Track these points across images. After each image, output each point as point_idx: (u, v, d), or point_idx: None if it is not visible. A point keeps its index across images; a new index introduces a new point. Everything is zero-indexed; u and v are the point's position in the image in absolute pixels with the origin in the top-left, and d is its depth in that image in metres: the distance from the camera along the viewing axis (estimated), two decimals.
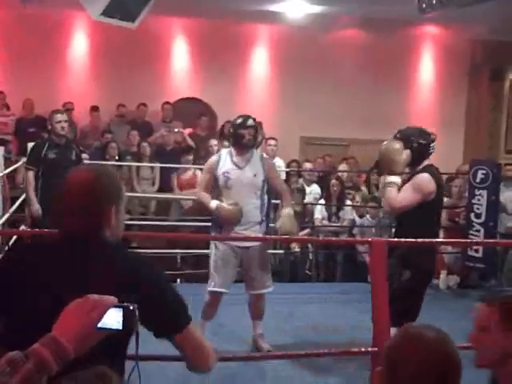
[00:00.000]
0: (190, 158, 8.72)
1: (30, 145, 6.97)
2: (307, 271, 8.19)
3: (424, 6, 7.49)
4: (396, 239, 3.75)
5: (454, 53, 11.43)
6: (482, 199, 7.55)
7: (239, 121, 5.09)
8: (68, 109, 9.96)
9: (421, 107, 11.57)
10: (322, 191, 8.87)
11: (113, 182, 2.13)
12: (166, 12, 9.94)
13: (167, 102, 10.10)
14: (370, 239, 3.45)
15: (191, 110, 10.39)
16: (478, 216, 7.59)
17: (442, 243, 6.61)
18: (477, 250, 7.60)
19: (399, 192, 4.19)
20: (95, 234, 2.04)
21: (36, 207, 6.42)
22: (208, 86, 10.66)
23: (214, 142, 9.12)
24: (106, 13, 7.40)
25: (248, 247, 4.96)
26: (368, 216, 8.26)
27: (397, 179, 4.21)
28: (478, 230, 7.57)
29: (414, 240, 3.67)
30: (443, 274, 7.74)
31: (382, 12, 9.53)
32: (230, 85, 10.72)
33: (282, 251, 8.08)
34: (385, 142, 4.39)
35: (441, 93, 11.65)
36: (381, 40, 10.81)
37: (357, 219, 8.41)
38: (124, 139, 9.35)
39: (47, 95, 9.89)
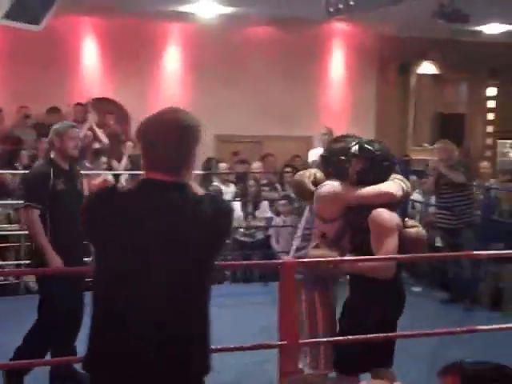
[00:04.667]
0: (103, 160, 8.62)
1: None
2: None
3: (331, 10, 7.64)
4: (307, 259, 3.75)
5: (363, 49, 11.69)
6: None
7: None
8: None
9: (332, 102, 11.80)
10: (238, 190, 8.97)
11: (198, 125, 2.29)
12: (75, 11, 9.75)
13: (79, 103, 9.89)
14: (281, 260, 3.49)
15: (102, 110, 10.20)
16: None
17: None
18: None
19: None
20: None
21: (57, 261, 4.52)
22: (120, 85, 10.53)
23: (129, 144, 9.04)
24: (9, 16, 7.21)
25: None
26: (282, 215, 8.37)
27: None
28: None
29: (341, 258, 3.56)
30: None
31: (291, 12, 9.66)
32: (143, 84, 10.62)
33: None
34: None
35: (351, 88, 11.90)
36: (292, 37, 10.96)
37: (274, 217, 8.51)
38: (31, 144, 9.08)
39: None
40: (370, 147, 3.56)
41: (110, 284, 2.17)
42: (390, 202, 3.53)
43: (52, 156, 4.79)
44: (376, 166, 3.55)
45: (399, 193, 3.57)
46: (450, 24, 8.43)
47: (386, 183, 3.57)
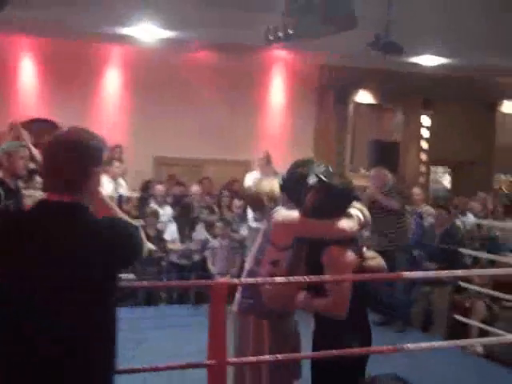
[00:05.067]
0: (38, 180, 8.49)
1: None
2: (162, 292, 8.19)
3: (271, 38, 7.78)
4: (237, 280, 3.77)
5: (302, 76, 11.93)
6: None
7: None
8: None
9: (272, 127, 11.98)
10: (175, 211, 8.98)
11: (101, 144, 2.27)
12: (13, 30, 9.66)
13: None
14: (211, 282, 3.51)
15: (40, 131, 10.05)
16: None
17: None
18: None
19: None
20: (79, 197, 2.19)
21: None
22: (59, 107, 10.42)
23: None
24: None
25: None
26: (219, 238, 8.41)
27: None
28: None
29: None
30: None
31: (231, 37, 9.78)
32: (82, 106, 10.54)
33: (133, 274, 8.07)
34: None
35: (291, 114, 12.11)
36: (233, 62, 11.09)
37: (210, 240, 8.54)
38: None
39: None
40: (329, 181, 3.29)
41: (8, 309, 2.12)
42: (346, 237, 3.33)
43: None
44: (333, 201, 3.30)
45: (355, 228, 3.36)
46: (385, 55, 8.68)
47: (343, 220, 3.31)
